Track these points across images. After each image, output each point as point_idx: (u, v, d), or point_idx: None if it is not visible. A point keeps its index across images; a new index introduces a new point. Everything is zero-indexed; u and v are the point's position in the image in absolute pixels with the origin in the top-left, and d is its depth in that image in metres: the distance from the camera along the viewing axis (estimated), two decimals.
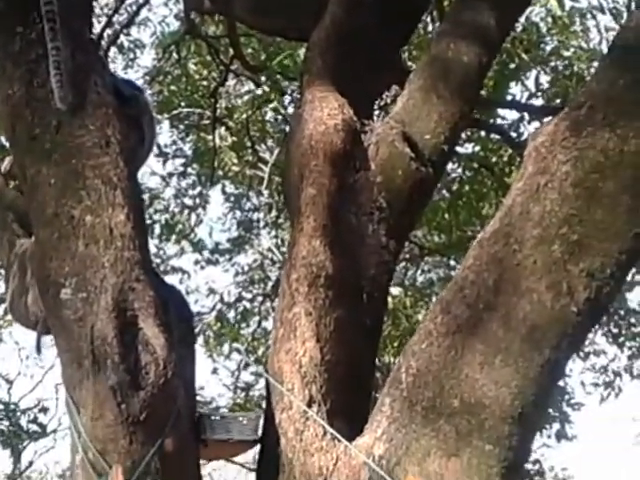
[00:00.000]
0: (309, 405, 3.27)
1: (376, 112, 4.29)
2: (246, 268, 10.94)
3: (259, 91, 9.37)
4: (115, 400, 2.94)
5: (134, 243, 3.22)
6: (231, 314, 11.02)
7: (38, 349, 4.15)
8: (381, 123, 3.87)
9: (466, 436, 3.07)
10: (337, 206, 3.57)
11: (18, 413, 11.16)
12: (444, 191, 9.70)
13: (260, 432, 3.39)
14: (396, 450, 3.12)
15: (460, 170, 9.28)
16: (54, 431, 16.72)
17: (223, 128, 9.81)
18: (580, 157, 3.09)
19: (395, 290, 10.92)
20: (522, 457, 3.20)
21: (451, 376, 3.14)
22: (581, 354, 10.61)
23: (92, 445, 2.97)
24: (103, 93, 3.43)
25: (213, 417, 3.31)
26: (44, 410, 11.17)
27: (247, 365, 11.34)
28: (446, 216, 9.47)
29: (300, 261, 3.46)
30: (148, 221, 10.43)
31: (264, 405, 3.59)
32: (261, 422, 3.41)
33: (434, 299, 11.49)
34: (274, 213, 10.60)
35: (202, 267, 10.80)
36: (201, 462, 3.40)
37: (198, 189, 10.35)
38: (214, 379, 12.48)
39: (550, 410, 11.36)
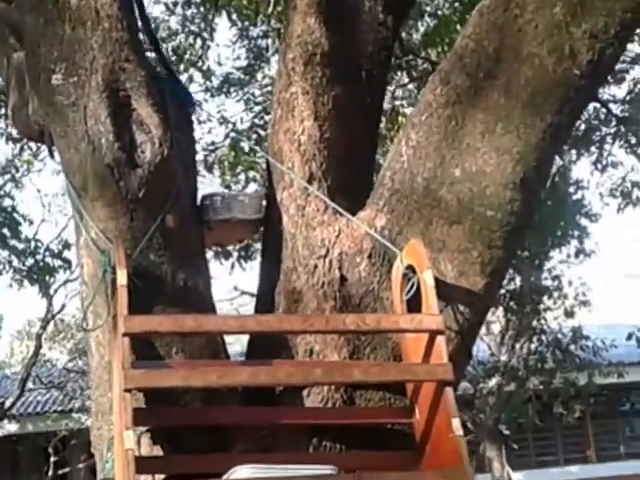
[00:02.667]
0: (309, 182, 3.26)
1: None
2: (257, 94, 10.78)
3: None
4: (113, 178, 2.94)
5: (122, 23, 3.15)
6: (245, 144, 10.96)
7: (51, 155, 4.15)
8: None
9: (468, 203, 3.06)
10: None
11: (42, 250, 11.36)
12: (456, 4, 9.42)
13: (263, 211, 3.39)
14: (398, 220, 3.13)
15: None
16: None
17: None
18: None
19: (409, 110, 10.79)
20: (524, 222, 3.19)
21: (452, 146, 3.11)
22: (598, 166, 10.54)
23: (94, 224, 2.99)
24: None
25: (215, 197, 3.30)
26: (68, 246, 11.34)
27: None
28: (458, 28, 9.20)
29: (295, 40, 3.37)
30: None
31: None
32: (263, 202, 3.41)
33: None
34: None
35: (212, 95, 10.64)
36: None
37: (204, 15, 10.05)
38: None
39: (569, 225, 11.43)
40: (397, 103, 10.53)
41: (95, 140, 2.98)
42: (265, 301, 3.27)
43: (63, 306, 18.21)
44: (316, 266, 3.12)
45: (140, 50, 3.26)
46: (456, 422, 2.56)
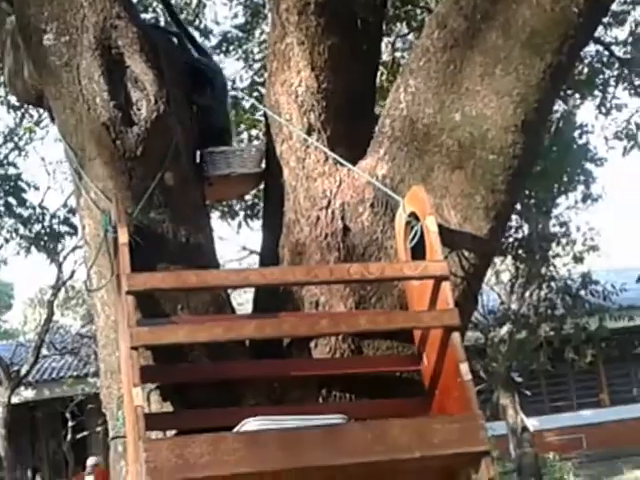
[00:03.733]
0: (309, 133, 3.22)
1: None
2: (256, 51, 10.68)
3: None
4: (110, 137, 2.91)
5: None
6: (246, 102, 10.89)
7: (52, 120, 4.11)
8: None
9: (469, 148, 3.03)
10: None
11: (49, 217, 11.36)
12: None
13: (263, 165, 3.36)
14: (399, 168, 3.10)
15: None
16: None
17: None
18: None
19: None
20: (527, 165, 3.16)
21: (451, 91, 3.07)
22: (602, 109, 10.44)
23: (93, 184, 2.96)
24: None
25: (214, 153, 3.27)
26: (73, 211, 11.30)
27: None
28: None
29: None
30: (151, 14, 10.15)
31: None
32: (263, 155, 3.38)
33: None
34: None
35: (211, 53, 10.53)
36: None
37: None
38: None
39: (575, 170, 11.36)
40: (397, 55, 10.42)
41: (90, 99, 2.94)
42: (269, 255, 3.25)
43: (73, 272, 18.25)
44: (318, 217, 3.10)
45: (131, 6, 3.22)
46: (464, 367, 2.55)
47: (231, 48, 11.09)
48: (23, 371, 17.21)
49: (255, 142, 11.15)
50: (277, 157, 3.28)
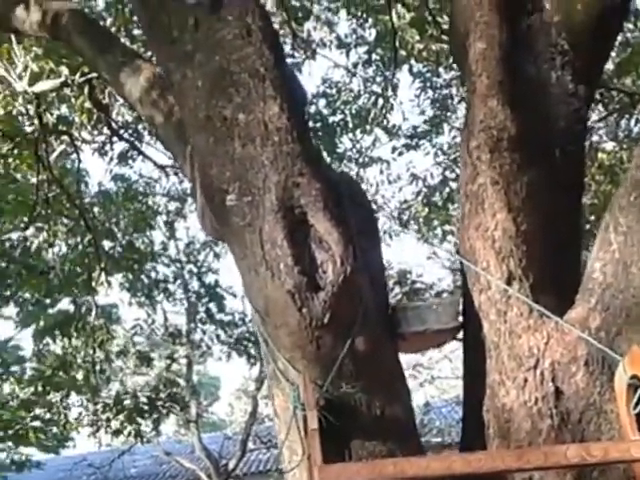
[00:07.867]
0: (509, 282, 2.93)
1: None
2: (446, 147, 10.51)
3: None
4: (295, 305, 2.73)
5: (292, 135, 2.97)
6: (437, 197, 10.72)
7: None
8: None
9: None
10: (511, 57, 3.13)
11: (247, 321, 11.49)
12: None
13: (460, 318, 3.09)
14: (615, 319, 2.75)
15: None
16: None
17: (399, 5, 9.31)
18: None
19: (609, 145, 10.19)
20: None
21: None
22: None
23: (280, 354, 2.79)
24: None
25: (407, 309, 3.04)
26: None
27: None
28: None
29: (478, 126, 3.08)
30: (340, 115, 10.25)
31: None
32: (460, 307, 3.11)
33: None
34: None
35: (400, 153, 10.45)
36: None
37: (385, 74, 9.96)
38: (431, 263, 12.31)
39: None
40: (594, 139, 9.93)
41: (274, 265, 2.79)
42: (473, 417, 2.96)
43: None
44: (526, 380, 2.79)
45: (313, 158, 3.06)
46: None
47: (420, 143, 10.98)
48: (231, 465, 17.39)
49: (450, 236, 10.91)
50: (475, 308, 3.01)
